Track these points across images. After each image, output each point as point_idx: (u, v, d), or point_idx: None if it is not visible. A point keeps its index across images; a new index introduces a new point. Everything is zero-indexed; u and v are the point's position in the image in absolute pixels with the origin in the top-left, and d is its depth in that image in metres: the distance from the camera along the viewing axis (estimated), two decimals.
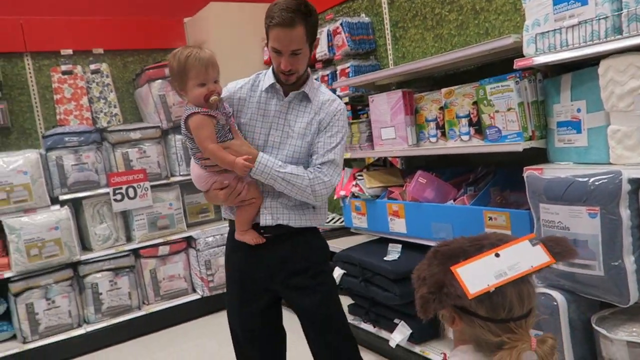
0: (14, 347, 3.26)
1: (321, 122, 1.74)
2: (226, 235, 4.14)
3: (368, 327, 2.85)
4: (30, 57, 3.78)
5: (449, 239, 1.22)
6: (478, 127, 2.25)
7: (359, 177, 2.89)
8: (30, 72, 3.79)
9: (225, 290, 3.90)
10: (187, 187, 4.09)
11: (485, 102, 2.16)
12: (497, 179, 2.42)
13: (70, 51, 3.85)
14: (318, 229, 1.87)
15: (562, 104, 1.96)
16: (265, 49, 4.04)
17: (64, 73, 3.74)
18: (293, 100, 1.74)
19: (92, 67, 3.83)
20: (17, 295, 3.29)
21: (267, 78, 1.75)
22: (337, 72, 3.33)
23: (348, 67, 3.22)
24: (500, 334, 0.99)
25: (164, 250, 3.81)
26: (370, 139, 2.84)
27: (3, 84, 3.66)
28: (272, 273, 1.78)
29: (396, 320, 2.62)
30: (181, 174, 3.92)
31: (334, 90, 3.40)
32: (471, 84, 2.28)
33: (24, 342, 3.30)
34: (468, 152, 2.32)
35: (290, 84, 1.72)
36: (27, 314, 3.30)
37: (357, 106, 3.36)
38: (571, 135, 1.94)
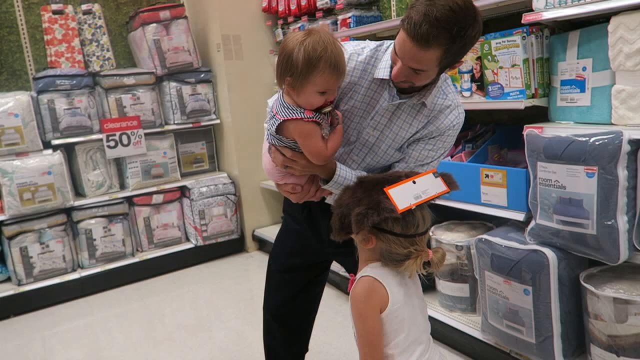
0: (9, 289, 3.30)
1: (429, 133, 1.47)
2: (220, 185, 4.12)
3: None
4: None
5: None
6: (480, 83, 2.21)
7: None
8: (19, 11, 3.64)
9: (218, 241, 3.95)
10: (181, 136, 4.05)
11: (489, 57, 2.12)
12: (495, 137, 2.41)
13: None
14: None
15: (567, 61, 1.93)
16: None
17: (54, 12, 3.59)
18: (406, 103, 1.43)
19: (84, 7, 3.68)
20: (10, 238, 3.30)
21: (384, 66, 1.41)
22: (338, 22, 3.24)
23: (349, 18, 3.12)
24: (409, 247, 1.22)
25: (157, 198, 3.81)
26: None
27: None
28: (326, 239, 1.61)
29: None
30: (175, 122, 3.86)
31: None
32: None
33: (19, 285, 3.33)
34: (469, 108, 2.27)
35: (400, 88, 1.41)
36: (22, 257, 3.32)
37: None
38: (574, 94, 1.92)
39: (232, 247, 4.10)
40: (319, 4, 3.42)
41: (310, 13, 3.58)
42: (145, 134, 3.68)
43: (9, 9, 3.62)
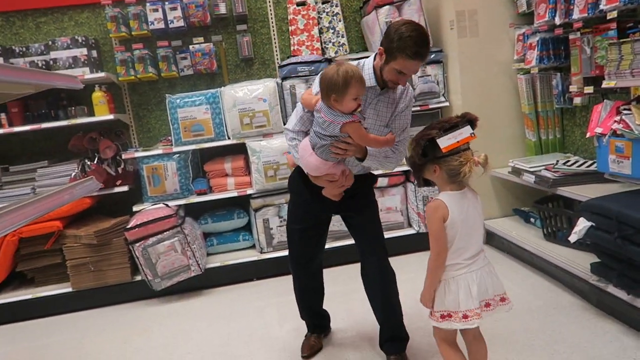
0: (253, 255, 3.74)
1: (400, 109, 2.19)
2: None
3: (618, 292, 2.38)
4: None
5: None
6: None
7: (626, 112, 2.33)
8: (270, 6, 4.03)
9: None
10: None
11: None
12: None
13: None
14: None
15: None
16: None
17: (298, 4, 3.87)
18: (384, 94, 2.16)
19: None
20: (256, 210, 3.71)
21: (369, 78, 2.10)
22: None
23: None
24: (458, 158, 1.76)
25: (382, 182, 3.81)
26: None
27: (248, 17, 3.97)
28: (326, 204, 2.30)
29: None
30: None
31: (596, 4, 2.78)
32: None
33: (261, 252, 3.74)
34: None
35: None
36: (264, 228, 3.71)
37: (627, 23, 2.68)
38: None
39: None
40: None
41: None
42: None
43: (261, 5, 4.03)
